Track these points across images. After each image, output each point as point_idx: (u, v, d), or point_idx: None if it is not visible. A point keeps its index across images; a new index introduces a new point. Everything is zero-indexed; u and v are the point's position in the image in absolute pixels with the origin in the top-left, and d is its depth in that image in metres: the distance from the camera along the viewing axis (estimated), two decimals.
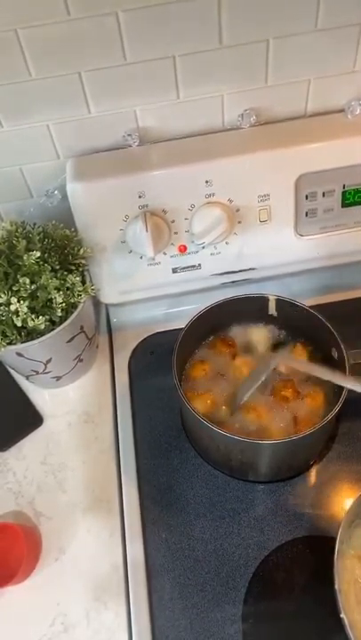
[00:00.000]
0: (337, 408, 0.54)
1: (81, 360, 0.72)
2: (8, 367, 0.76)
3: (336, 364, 0.61)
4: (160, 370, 0.74)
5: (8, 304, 0.58)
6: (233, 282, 0.72)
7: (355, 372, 0.58)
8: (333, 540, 0.48)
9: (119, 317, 0.81)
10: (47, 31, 0.54)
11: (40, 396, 0.75)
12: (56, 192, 0.69)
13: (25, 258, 0.59)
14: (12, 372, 0.76)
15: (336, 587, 0.46)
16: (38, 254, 0.59)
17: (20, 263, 0.59)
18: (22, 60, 0.56)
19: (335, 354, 0.61)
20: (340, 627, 0.45)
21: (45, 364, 0.67)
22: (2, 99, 0.59)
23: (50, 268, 0.60)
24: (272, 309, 0.66)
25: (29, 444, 0.70)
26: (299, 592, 0.56)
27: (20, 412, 0.73)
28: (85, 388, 0.75)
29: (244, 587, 0.56)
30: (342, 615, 0.45)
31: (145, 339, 0.79)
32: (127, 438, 0.69)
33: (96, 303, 0.76)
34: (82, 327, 0.68)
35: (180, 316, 0.65)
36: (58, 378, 0.72)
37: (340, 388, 0.56)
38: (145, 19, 0.55)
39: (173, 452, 0.67)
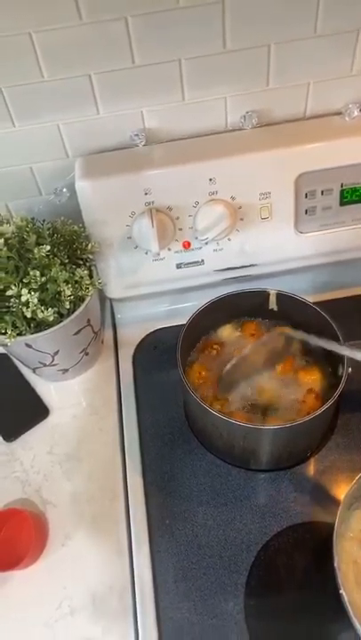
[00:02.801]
0: (336, 395, 0.56)
1: (87, 353, 0.74)
2: (15, 361, 0.78)
3: (334, 357, 0.63)
4: (163, 364, 0.77)
5: (19, 296, 0.60)
6: (235, 278, 0.74)
7: (352, 364, 0.60)
8: (333, 525, 0.50)
9: (123, 313, 0.83)
10: (60, 35, 0.56)
11: (46, 389, 0.76)
12: (64, 190, 0.71)
13: (35, 251, 0.61)
14: (19, 366, 0.78)
15: (335, 564, 0.48)
16: (48, 248, 0.61)
17: (31, 256, 0.62)
18: (35, 62, 0.58)
19: None
20: (339, 606, 0.46)
21: (53, 356, 0.69)
22: (15, 99, 0.61)
23: (59, 261, 0.63)
24: (273, 304, 0.69)
25: (36, 435, 0.72)
26: (299, 574, 0.57)
27: (27, 405, 0.75)
28: (90, 381, 0.77)
29: (246, 570, 0.58)
30: (341, 591, 0.47)
31: (148, 334, 0.81)
32: (132, 430, 0.71)
33: (101, 299, 0.78)
34: (88, 320, 0.70)
35: (183, 312, 0.67)
36: (64, 371, 0.74)
37: (340, 378, 0.58)
38: (152, 24, 0.58)
39: (177, 443, 0.69)
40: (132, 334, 0.81)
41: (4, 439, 0.71)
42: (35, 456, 0.70)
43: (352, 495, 0.54)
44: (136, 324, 0.82)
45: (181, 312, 0.67)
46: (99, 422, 0.72)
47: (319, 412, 0.55)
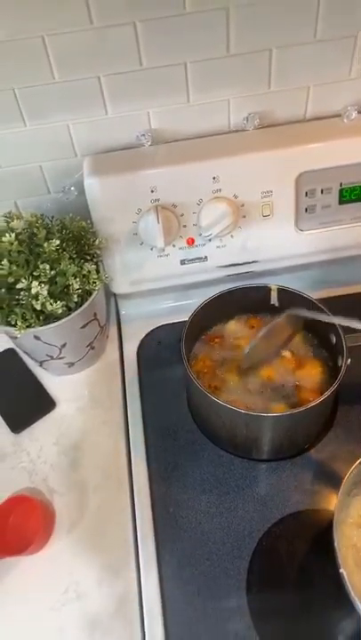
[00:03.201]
0: (336, 384, 0.58)
1: (93, 347, 0.76)
2: (22, 356, 0.80)
3: (335, 349, 0.65)
4: (167, 359, 0.79)
5: (29, 288, 0.62)
6: (237, 275, 0.76)
7: (352, 355, 0.62)
8: (332, 512, 0.51)
9: (128, 309, 0.85)
10: (71, 38, 0.59)
11: (52, 382, 0.78)
12: (72, 188, 0.73)
13: (45, 245, 0.63)
14: (26, 360, 0.80)
15: (336, 544, 0.49)
16: (58, 242, 0.63)
17: (40, 250, 0.64)
18: (47, 63, 0.61)
19: (333, 339, 0.65)
20: (338, 589, 0.48)
21: (60, 349, 0.71)
22: (27, 99, 0.64)
23: (68, 256, 0.65)
24: (274, 299, 0.71)
25: (42, 427, 0.73)
26: (300, 560, 0.59)
27: (34, 398, 0.77)
28: (96, 375, 0.79)
29: (248, 556, 0.59)
30: (341, 570, 0.48)
31: (152, 330, 0.83)
32: (136, 422, 0.73)
33: (106, 296, 0.80)
34: (95, 315, 0.72)
35: (186, 309, 0.69)
36: (70, 364, 0.76)
37: (339, 369, 0.60)
38: (160, 28, 0.60)
39: (180, 434, 0.71)
40: (136, 330, 0.83)
41: (12, 431, 0.73)
42: (41, 447, 0.71)
43: (351, 481, 0.55)
44: (140, 320, 0.84)
45: (185, 309, 0.69)
46: (104, 415, 0.74)
47: (319, 400, 0.57)
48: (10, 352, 0.81)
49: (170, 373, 0.77)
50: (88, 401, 0.76)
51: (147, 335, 0.83)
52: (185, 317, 0.67)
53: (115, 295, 0.85)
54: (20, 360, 0.81)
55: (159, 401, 0.74)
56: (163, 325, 0.83)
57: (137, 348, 0.81)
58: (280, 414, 0.58)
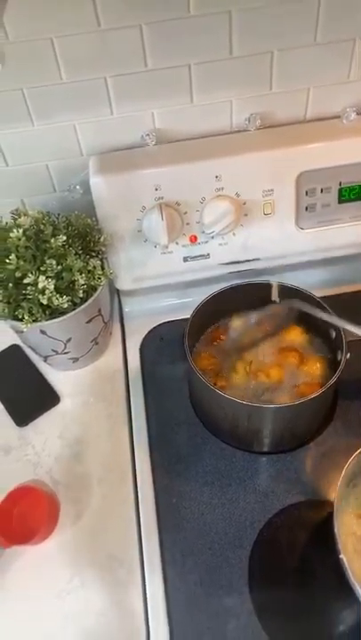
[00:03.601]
0: (336, 376, 0.59)
1: (97, 343, 0.78)
2: (27, 352, 0.81)
3: (334, 344, 0.66)
4: (170, 355, 0.80)
5: (35, 283, 0.63)
6: (238, 272, 0.78)
7: (351, 349, 0.63)
8: (332, 503, 0.53)
9: (131, 307, 0.86)
10: (79, 40, 0.61)
11: (57, 378, 0.79)
12: (78, 187, 0.75)
13: (52, 241, 0.64)
14: (30, 356, 0.81)
15: (336, 530, 0.50)
16: (64, 238, 0.65)
17: (47, 246, 0.65)
18: (55, 64, 0.63)
19: (333, 334, 0.67)
20: (338, 577, 0.49)
21: (65, 344, 0.72)
22: (35, 100, 0.66)
23: (74, 251, 0.66)
24: (275, 295, 0.72)
25: (47, 421, 0.75)
26: (300, 548, 0.60)
27: (38, 392, 0.78)
28: (99, 370, 0.80)
29: (249, 545, 0.60)
30: (341, 556, 0.49)
31: (155, 327, 0.84)
32: (139, 416, 0.74)
33: (110, 293, 0.81)
34: (99, 310, 0.73)
35: (188, 307, 0.70)
36: (75, 359, 0.77)
37: (339, 362, 0.62)
38: (165, 31, 0.62)
39: (183, 427, 0.72)
40: (139, 327, 0.85)
41: (17, 424, 0.74)
42: (46, 440, 0.72)
43: (351, 472, 0.57)
44: (143, 317, 0.85)
45: (187, 306, 0.70)
46: (107, 408, 0.75)
47: (319, 392, 0.58)
48: (14, 348, 0.83)
49: (172, 369, 0.78)
50: (92, 395, 0.77)
51: (149, 332, 0.84)
52: (187, 315, 0.69)
53: (118, 293, 0.86)
54: (24, 356, 0.82)
55: (162, 396, 0.76)
56: (165, 322, 0.85)
57: (140, 345, 0.83)
58: (281, 405, 0.59)
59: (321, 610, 0.56)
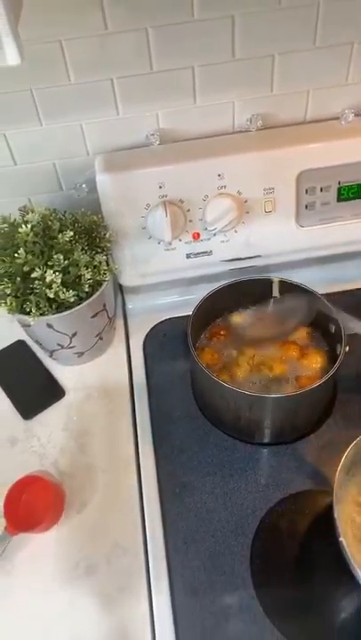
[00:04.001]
0: (335, 367, 0.61)
1: (101, 338, 0.79)
2: (32, 347, 0.83)
3: (333, 337, 0.68)
4: (172, 350, 0.82)
5: (43, 278, 0.65)
6: (240, 269, 0.80)
7: (351, 340, 0.65)
8: (332, 492, 0.54)
9: (134, 304, 0.88)
10: (87, 42, 0.63)
11: (62, 372, 0.81)
12: (83, 185, 0.77)
13: (60, 237, 0.66)
14: (35, 351, 0.83)
15: (335, 515, 0.52)
16: (71, 234, 0.66)
17: (54, 242, 0.67)
18: (64, 66, 0.65)
19: (333, 328, 0.68)
20: (337, 562, 0.50)
21: (70, 338, 0.74)
22: (44, 100, 0.68)
23: (80, 247, 0.68)
24: (276, 291, 0.74)
25: (52, 414, 0.76)
26: (300, 536, 0.62)
27: (44, 387, 0.79)
28: (104, 365, 0.82)
29: (251, 533, 0.62)
30: (341, 539, 0.51)
31: (158, 324, 0.86)
32: (143, 409, 0.75)
33: (114, 291, 0.83)
34: (104, 305, 0.75)
35: (190, 304, 0.71)
36: (80, 354, 0.79)
37: (338, 356, 0.63)
38: (170, 34, 0.64)
39: (185, 420, 0.73)
40: (142, 323, 0.86)
41: (23, 417, 0.76)
42: (51, 432, 0.74)
43: (350, 460, 0.58)
44: (146, 314, 0.87)
45: (189, 304, 0.72)
46: (111, 402, 0.77)
47: (319, 382, 0.60)
48: (20, 344, 0.84)
49: (175, 365, 0.80)
50: (96, 389, 0.79)
51: (152, 329, 0.86)
52: (189, 312, 0.70)
53: (122, 290, 0.88)
54: (29, 351, 0.84)
55: (165, 390, 0.77)
56: (168, 319, 0.86)
57: (143, 341, 0.84)
58: (282, 395, 0.61)
59: (320, 594, 0.57)
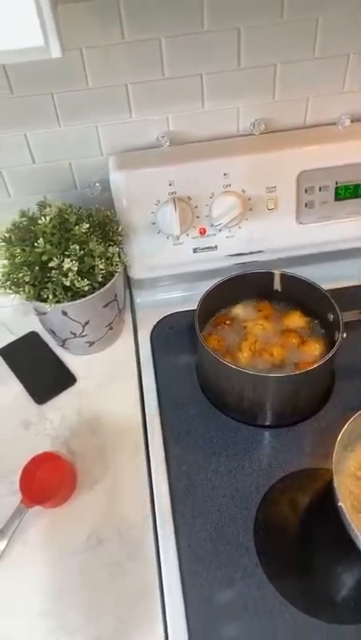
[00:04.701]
0: (335, 349, 0.65)
1: (111, 328, 0.83)
2: (45, 338, 0.87)
3: (332, 325, 0.72)
4: (178, 342, 0.86)
5: (60, 267, 0.70)
6: (243, 264, 0.84)
7: (348, 328, 0.69)
8: (331, 470, 0.57)
9: (142, 298, 0.92)
10: (105, 50, 0.69)
11: (73, 361, 0.85)
12: (97, 184, 0.82)
13: (76, 229, 0.71)
14: (47, 342, 0.87)
15: (335, 484, 0.55)
16: (87, 226, 0.71)
17: (71, 234, 0.72)
18: (83, 72, 0.70)
19: (331, 317, 0.73)
20: (335, 530, 0.54)
21: (83, 326, 0.78)
22: (63, 103, 0.73)
23: (95, 238, 0.73)
24: (277, 284, 0.78)
25: (64, 399, 0.80)
26: (301, 509, 0.65)
27: (56, 374, 0.83)
28: (113, 354, 0.86)
29: (254, 507, 0.65)
30: (340, 504, 0.54)
31: (165, 317, 0.90)
32: (151, 395, 0.79)
33: (123, 285, 0.88)
34: (115, 295, 0.79)
35: (195, 299, 0.75)
36: (90, 343, 0.83)
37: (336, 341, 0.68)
38: (181, 44, 0.70)
39: (191, 405, 0.77)
40: (149, 317, 0.90)
41: (36, 402, 0.79)
42: (63, 416, 0.78)
43: (347, 436, 0.62)
44: (153, 308, 0.91)
45: (194, 299, 0.75)
46: (121, 389, 0.81)
47: (319, 363, 0.64)
48: (33, 334, 0.89)
49: (181, 354, 0.84)
50: (106, 377, 0.82)
51: (159, 321, 0.90)
52: (193, 307, 0.74)
53: (130, 286, 0.92)
54: (42, 341, 0.88)
55: (171, 378, 0.81)
56: (174, 313, 0.90)
57: (150, 333, 0.88)
58: (284, 374, 0.65)
59: (320, 560, 0.60)
